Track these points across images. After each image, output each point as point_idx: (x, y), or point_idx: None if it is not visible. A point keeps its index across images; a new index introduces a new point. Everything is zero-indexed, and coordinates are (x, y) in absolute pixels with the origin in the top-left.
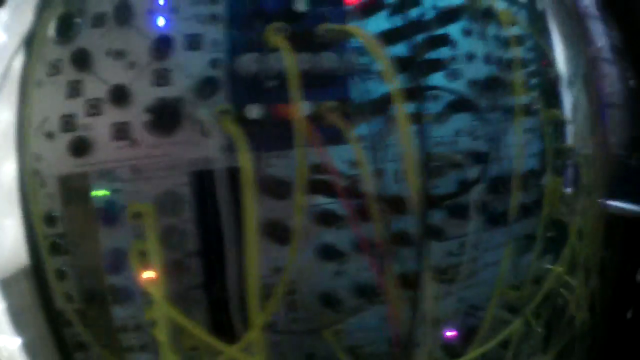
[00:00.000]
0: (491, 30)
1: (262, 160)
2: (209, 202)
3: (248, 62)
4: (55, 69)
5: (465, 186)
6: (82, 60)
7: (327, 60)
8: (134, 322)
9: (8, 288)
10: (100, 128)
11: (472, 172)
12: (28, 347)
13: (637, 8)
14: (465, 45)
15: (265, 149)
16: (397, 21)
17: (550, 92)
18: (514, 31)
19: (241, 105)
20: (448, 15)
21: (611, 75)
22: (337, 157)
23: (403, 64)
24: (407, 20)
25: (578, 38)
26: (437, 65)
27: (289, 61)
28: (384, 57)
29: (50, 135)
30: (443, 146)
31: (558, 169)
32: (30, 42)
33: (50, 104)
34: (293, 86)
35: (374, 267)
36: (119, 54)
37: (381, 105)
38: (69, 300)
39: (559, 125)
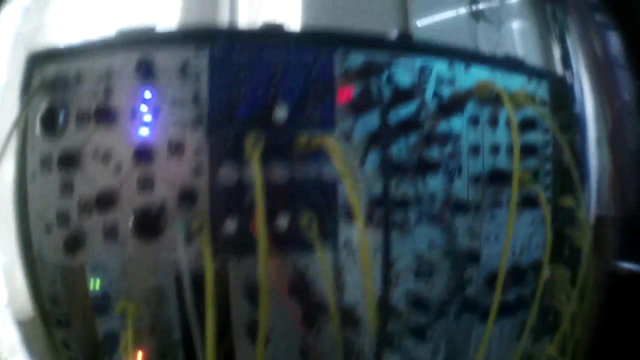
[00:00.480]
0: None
1: (238, 265)
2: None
3: (227, 173)
4: (45, 164)
5: (455, 290)
6: (69, 161)
7: (306, 171)
8: None
9: (23, 327)
10: (92, 227)
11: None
12: None
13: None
14: (470, 137)
15: (240, 255)
16: (392, 117)
17: (563, 176)
18: (528, 113)
19: (219, 217)
20: (451, 106)
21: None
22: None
23: (392, 167)
24: (401, 117)
25: (608, 91)
26: (432, 166)
27: (257, 180)
28: (352, 188)
29: (48, 229)
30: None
31: (563, 258)
32: (19, 128)
33: (45, 199)
34: (259, 204)
35: None
36: (104, 157)
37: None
38: None
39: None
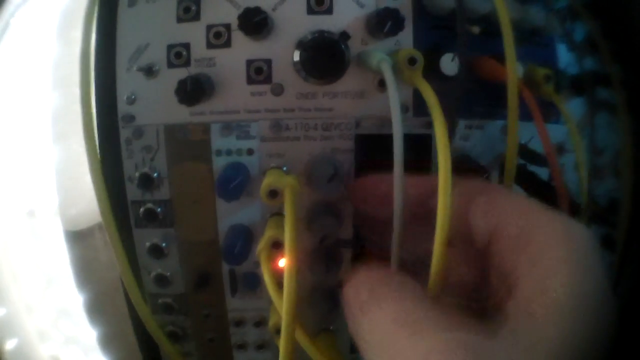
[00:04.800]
0: None
1: (455, 131)
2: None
3: None
4: None
5: None
6: None
7: (536, 14)
8: (255, 316)
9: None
10: (227, 63)
11: None
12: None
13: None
14: None
15: (461, 115)
16: None
17: None
18: None
19: (432, 52)
20: None
21: None
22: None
23: None
24: None
25: None
26: None
27: (500, 3)
28: None
29: (150, 71)
30: None
31: None
32: None
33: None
34: (507, 37)
35: None
36: None
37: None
38: (164, 285)
39: None
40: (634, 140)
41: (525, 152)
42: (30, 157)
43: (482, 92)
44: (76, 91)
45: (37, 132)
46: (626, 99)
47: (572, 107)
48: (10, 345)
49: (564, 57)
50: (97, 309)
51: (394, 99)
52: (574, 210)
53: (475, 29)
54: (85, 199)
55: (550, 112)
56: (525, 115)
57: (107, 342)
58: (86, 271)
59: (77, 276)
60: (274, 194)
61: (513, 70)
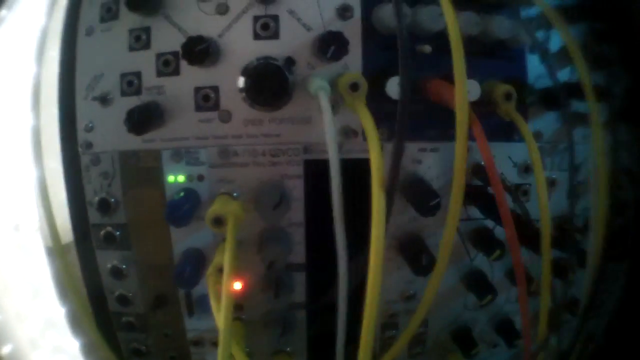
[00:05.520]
0: None
1: (403, 154)
2: (322, 201)
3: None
4: (110, 11)
5: None
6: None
7: (500, 26)
8: (212, 337)
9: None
10: (176, 91)
11: None
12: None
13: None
14: None
15: (409, 138)
16: None
17: None
18: None
19: (378, 74)
20: None
21: None
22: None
23: None
24: None
25: None
26: None
27: (451, 20)
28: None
29: (105, 100)
30: None
31: None
32: None
33: (106, 58)
34: (457, 56)
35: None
36: None
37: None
38: (126, 304)
39: None
40: (613, 154)
41: (484, 174)
42: (13, 172)
43: (437, 113)
44: (51, 111)
45: (20, 149)
46: (620, 108)
47: (546, 122)
48: (5, 350)
49: (535, 69)
50: (77, 321)
51: (329, 129)
52: (531, 234)
53: (427, 48)
54: (61, 216)
55: (516, 130)
56: (486, 134)
57: (88, 352)
58: (64, 285)
59: (57, 289)
60: (218, 221)
61: (463, 94)
